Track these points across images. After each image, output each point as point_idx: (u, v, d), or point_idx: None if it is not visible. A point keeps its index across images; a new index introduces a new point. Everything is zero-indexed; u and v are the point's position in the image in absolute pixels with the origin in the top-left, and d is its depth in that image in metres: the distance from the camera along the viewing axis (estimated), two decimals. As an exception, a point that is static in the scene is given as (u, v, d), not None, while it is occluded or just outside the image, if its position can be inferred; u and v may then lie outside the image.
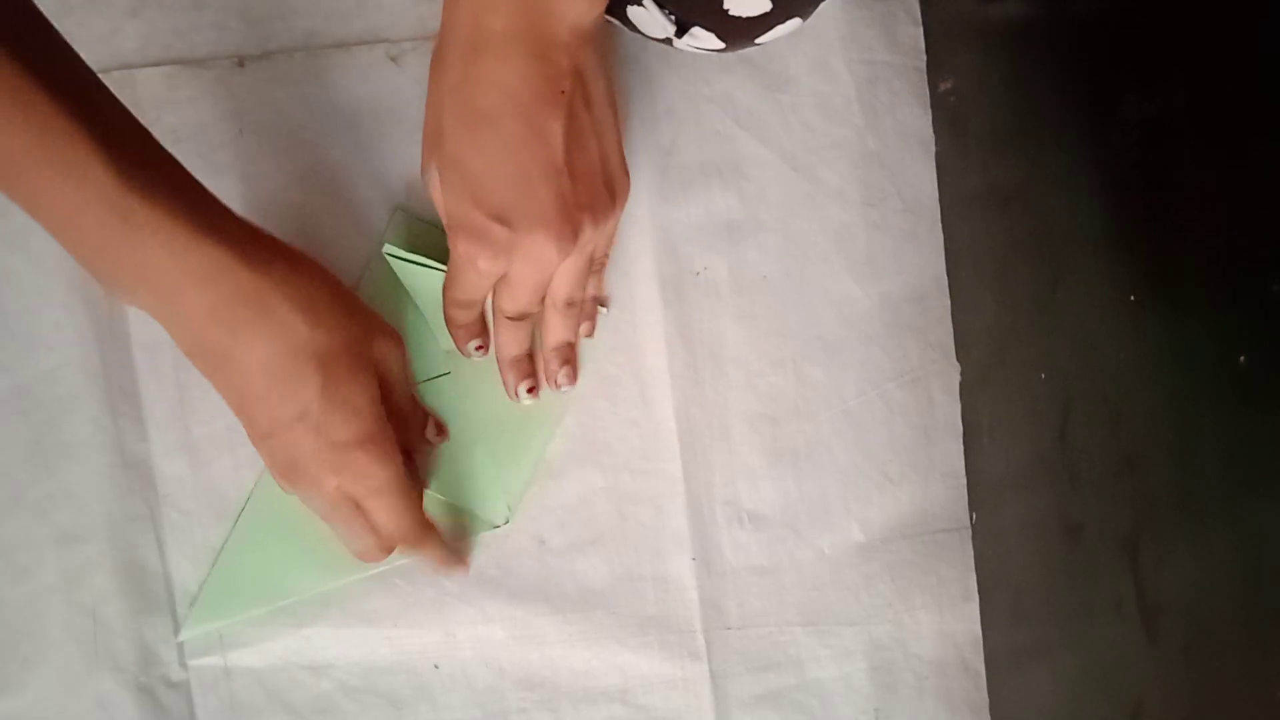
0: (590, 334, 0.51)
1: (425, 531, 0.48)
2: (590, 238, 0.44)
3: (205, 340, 0.41)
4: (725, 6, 0.43)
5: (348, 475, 0.44)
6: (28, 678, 0.49)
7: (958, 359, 0.54)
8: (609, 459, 0.52)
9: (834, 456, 0.53)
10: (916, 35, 0.54)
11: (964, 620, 0.53)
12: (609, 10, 0.47)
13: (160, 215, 0.38)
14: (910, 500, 0.54)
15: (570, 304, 0.47)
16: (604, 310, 0.52)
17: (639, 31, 0.47)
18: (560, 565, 0.52)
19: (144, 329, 0.50)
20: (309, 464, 0.43)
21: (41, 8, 0.38)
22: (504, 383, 0.50)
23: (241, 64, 0.51)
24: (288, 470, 0.44)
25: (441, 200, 0.45)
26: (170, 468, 0.50)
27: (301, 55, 0.51)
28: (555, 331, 0.49)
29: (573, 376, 0.51)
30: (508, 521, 0.51)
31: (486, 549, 0.51)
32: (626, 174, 0.46)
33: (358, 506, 0.45)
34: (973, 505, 0.54)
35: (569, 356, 0.50)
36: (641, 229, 0.52)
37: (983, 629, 0.53)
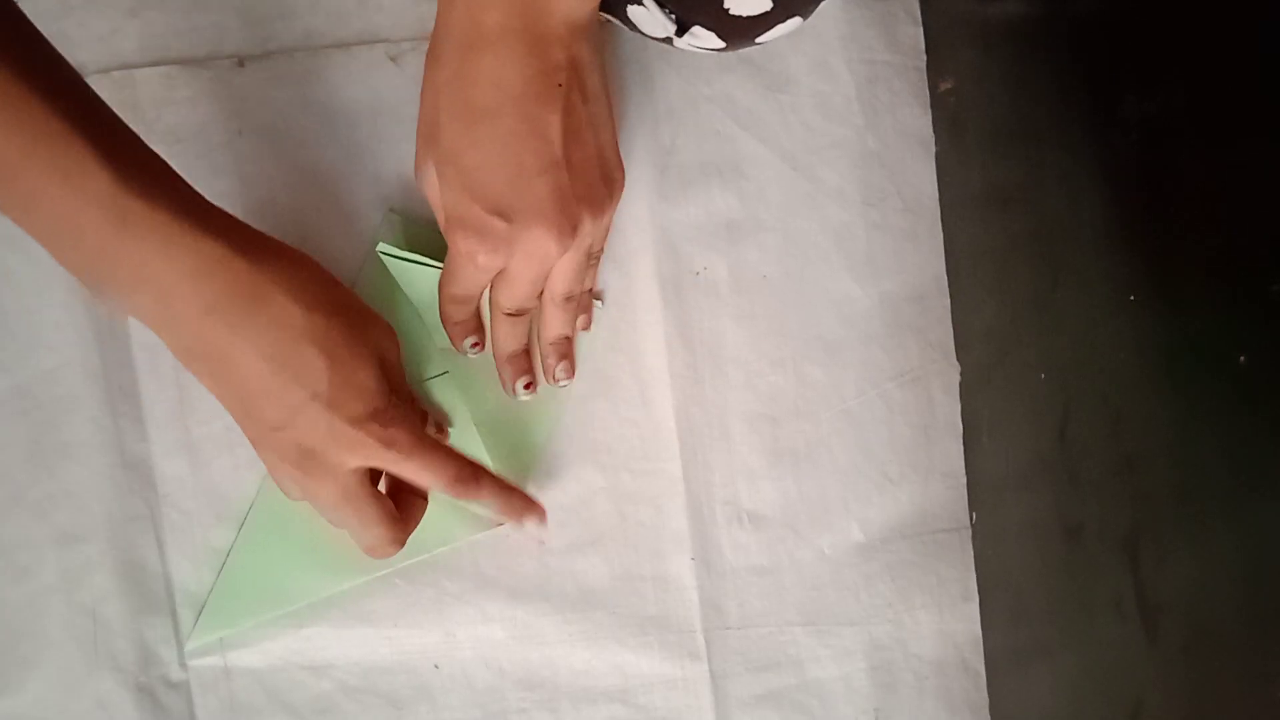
0: (587, 327, 0.51)
1: (478, 471, 0.47)
2: (589, 231, 0.44)
3: (203, 340, 0.40)
4: (725, 5, 0.43)
5: (371, 449, 0.43)
6: (28, 678, 0.49)
7: (958, 359, 0.54)
8: (609, 459, 0.52)
9: (834, 456, 0.53)
10: (916, 35, 0.54)
11: (964, 620, 0.53)
12: (609, 9, 0.47)
13: (159, 214, 0.38)
14: (910, 500, 0.54)
15: (569, 299, 0.47)
16: (599, 304, 0.52)
17: (639, 31, 0.47)
18: (560, 565, 0.52)
19: (144, 329, 0.50)
20: (326, 447, 0.43)
21: (41, 8, 0.38)
22: (501, 380, 0.50)
23: (241, 64, 0.51)
24: (302, 460, 0.43)
25: (436, 197, 0.45)
26: (170, 468, 0.50)
27: (301, 55, 0.51)
28: (553, 326, 0.49)
29: (570, 371, 0.51)
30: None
31: (486, 549, 0.51)
32: (622, 167, 0.46)
33: (374, 498, 0.45)
34: (973, 505, 0.54)
35: (566, 351, 0.50)
36: (641, 228, 0.52)
37: (983, 629, 0.53)
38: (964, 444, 0.54)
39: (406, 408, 0.45)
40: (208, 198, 0.41)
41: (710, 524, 0.52)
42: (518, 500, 0.49)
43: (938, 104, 0.54)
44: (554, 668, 0.51)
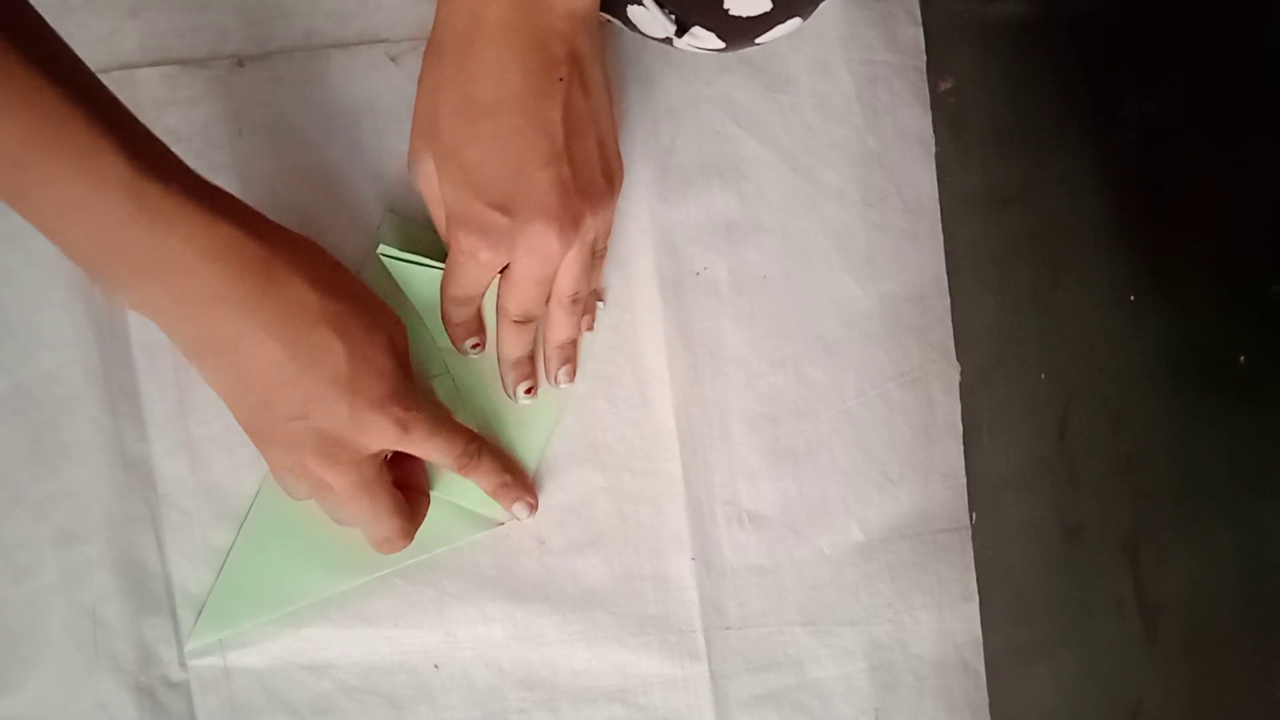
0: (591, 328, 0.51)
1: (482, 448, 0.47)
2: (590, 226, 0.44)
3: (216, 328, 0.40)
4: (725, 6, 0.43)
5: (391, 431, 0.43)
6: (27, 678, 0.49)
7: (958, 359, 0.54)
8: (609, 459, 0.52)
9: (834, 456, 0.53)
10: (916, 35, 0.54)
11: (964, 620, 0.53)
12: (609, 9, 0.47)
13: (173, 197, 0.37)
14: (910, 500, 0.54)
15: (575, 300, 0.47)
16: (601, 305, 0.52)
17: (639, 31, 0.47)
18: (560, 565, 0.52)
19: (144, 329, 0.50)
20: (347, 432, 0.42)
21: (42, 8, 0.38)
22: (503, 383, 0.50)
23: (241, 64, 0.51)
24: (322, 448, 0.42)
25: (432, 192, 0.44)
26: (170, 468, 0.50)
27: (301, 55, 0.51)
28: (560, 329, 0.49)
29: (573, 374, 0.51)
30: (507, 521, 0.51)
31: (486, 549, 0.51)
32: (621, 161, 0.46)
33: (389, 488, 0.45)
34: (973, 505, 0.54)
35: (571, 355, 0.50)
36: (641, 229, 0.52)
37: (983, 629, 0.53)
38: (964, 444, 0.54)
39: (419, 387, 0.45)
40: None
41: (710, 524, 0.52)
42: (513, 486, 0.49)
43: (938, 104, 0.54)
44: (554, 668, 0.51)
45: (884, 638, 0.53)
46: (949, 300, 0.54)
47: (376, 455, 0.44)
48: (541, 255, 0.43)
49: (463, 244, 0.43)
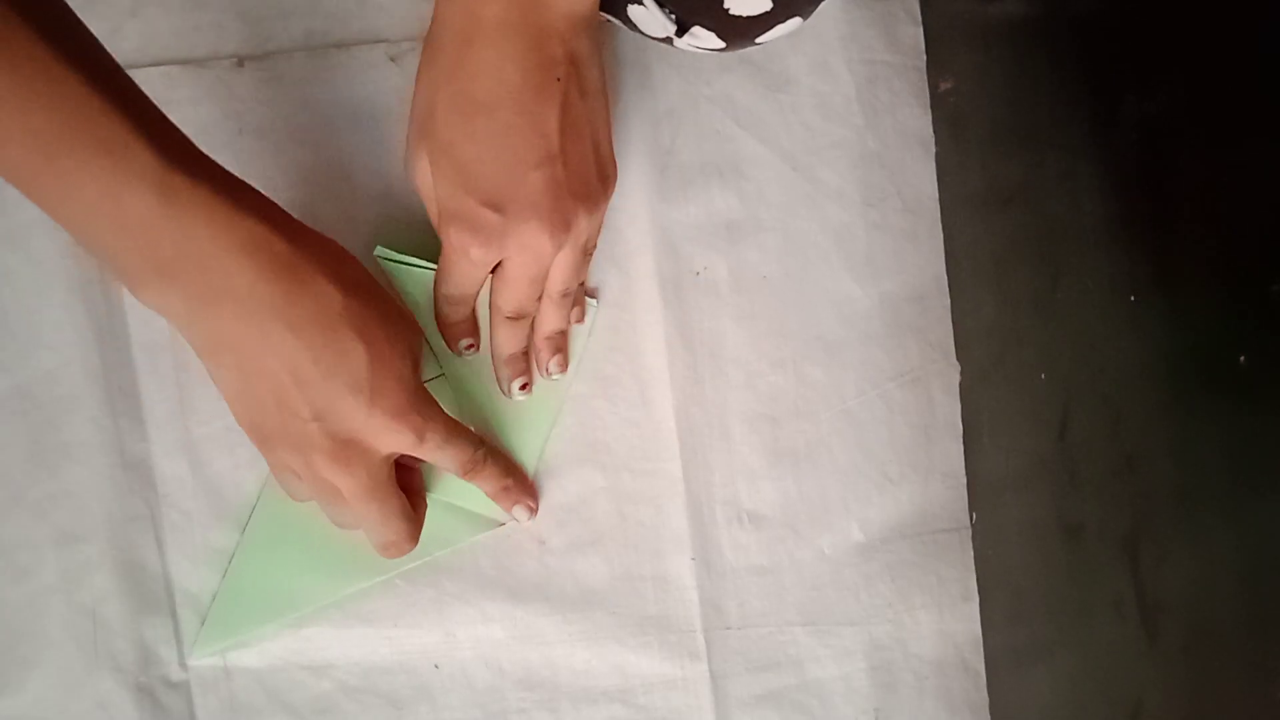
0: (580, 320, 0.51)
1: (487, 453, 0.47)
2: (584, 227, 0.44)
3: (237, 324, 0.39)
4: (726, 5, 0.43)
5: (408, 437, 0.43)
6: (27, 678, 0.49)
7: (958, 359, 0.54)
8: (609, 459, 0.52)
9: (834, 456, 0.53)
10: (916, 35, 0.54)
11: (964, 620, 0.53)
12: (609, 9, 0.47)
13: (201, 190, 0.37)
14: (910, 500, 0.54)
15: (565, 295, 0.47)
16: (594, 302, 0.52)
17: (639, 31, 0.47)
18: (560, 565, 0.52)
19: (144, 329, 0.50)
20: (364, 436, 0.42)
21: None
22: (498, 379, 0.50)
23: (241, 64, 0.51)
24: (337, 450, 0.42)
25: (427, 188, 0.44)
26: (170, 468, 0.50)
27: (301, 55, 0.51)
28: (549, 321, 0.49)
29: (564, 364, 0.51)
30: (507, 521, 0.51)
31: (486, 549, 0.51)
32: (615, 162, 0.46)
33: (397, 491, 0.45)
34: (973, 505, 0.54)
35: (561, 345, 0.50)
36: (641, 229, 0.52)
37: (983, 629, 0.53)
38: (964, 444, 0.54)
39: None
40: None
41: (710, 524, 0.52)
42: (514, 489, 0.49)
43: (938, 104, 0.54)
44: (554, 668, 0.51)
45: (884, 638, 0.53)
46: (949, 300, 0.54)
47: (387, 459, 0.44)
48: (534, 254, 0.43)
49: (454, 240, 0.43)
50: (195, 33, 0.51)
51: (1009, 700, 0.52)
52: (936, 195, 0.54)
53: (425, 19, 0.51)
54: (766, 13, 0.43)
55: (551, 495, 0.52)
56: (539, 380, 0.51)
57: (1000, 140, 0.49)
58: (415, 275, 0.50)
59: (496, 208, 0.42)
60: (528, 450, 0.51)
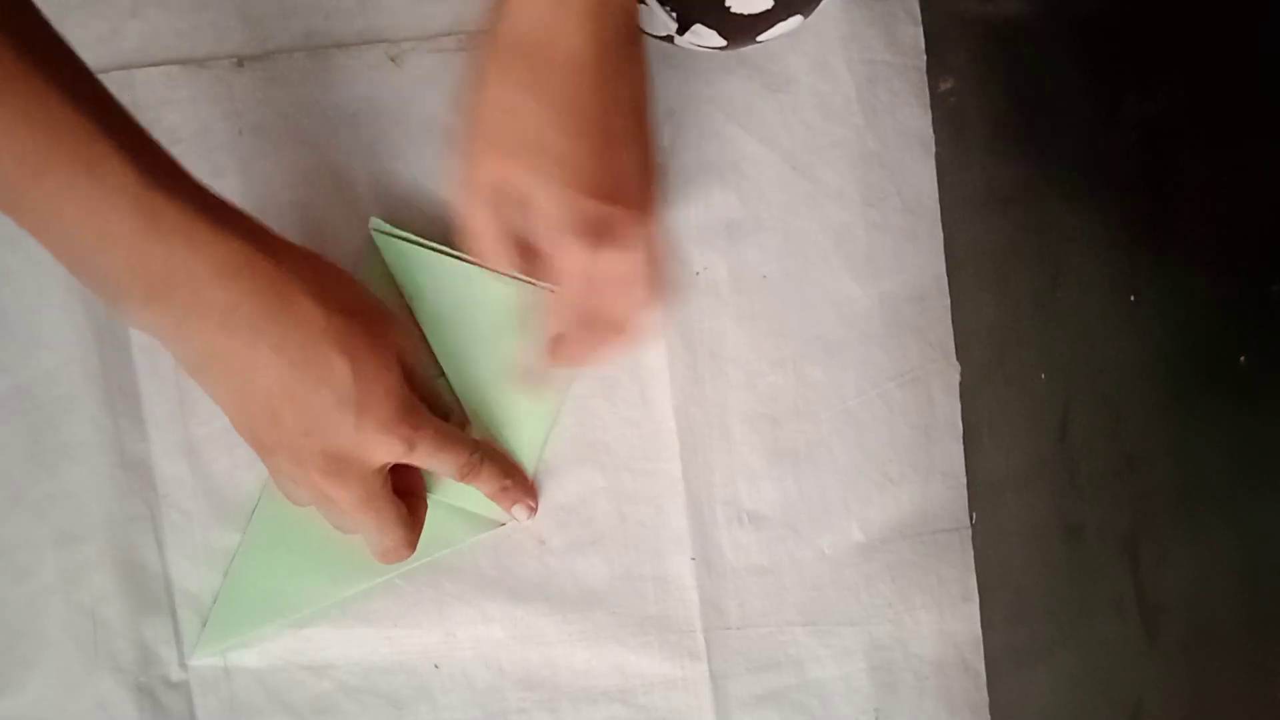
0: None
1: (484, 456, 0.47)
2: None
3: (223, 344, 0.40)
4: (727, 3, 0.43)
5: (397, 448, 0.43)
6: (27, 678, 0.49)
7: (958, 359, 0.54)
8: (609, 459, 0.52)
9: (834, 456, 0.53)
10: (916, 35, 0.54)
11: (964, 620, 0.53)
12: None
13: (184, 211, 0.37)
14: (910, 500, 0.54)
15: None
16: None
17: (640, 29, 0.46)
18: (560, 565, 0.52)
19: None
20: (353, 450, 0.42)
21: (42, 9, 0.37)
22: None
23: (241, 64, 0.51)
24: (328, 465, 0.42)
25: (481, 190, 0.42)
26: (170, 468, 0.50)
27: (301, 55, 0.51)
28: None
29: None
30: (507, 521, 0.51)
31: (486, 549, 0.51)
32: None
33: (392, 500, 0.45)
34: (973, 505, 0.54)
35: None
36: (641, 229, 0.52)
37: (983, 629, 0.53)
38: (964, 444, 0.54)
39: (434, 410, 0.45)
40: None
41: (710, 524, 0.52)
42: (513, 490, 0.49)
43: (938, 104, 0.54)
44: (554, 668, 0.51)
45: (884, 638, 0.53)
46: (949, 300, 0.54)
47: (381, 469, 0.44)
48: (642, 244, 0.43)
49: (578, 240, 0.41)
50: (195, 33, 0.51)
51: (1009, 700, 0.52)
52: (936, 195, 0.54)
53: (425, 19, 0.51)
54: (768, 10, 0.43)
55: (551, 495, 0.52)
56: (539, 381, 0.51)
57: (1000, 140, 0.49)
58: (411, 255, 0.49)
59: (617, 202, 0.41)
60: (527, 450, 0.51)
